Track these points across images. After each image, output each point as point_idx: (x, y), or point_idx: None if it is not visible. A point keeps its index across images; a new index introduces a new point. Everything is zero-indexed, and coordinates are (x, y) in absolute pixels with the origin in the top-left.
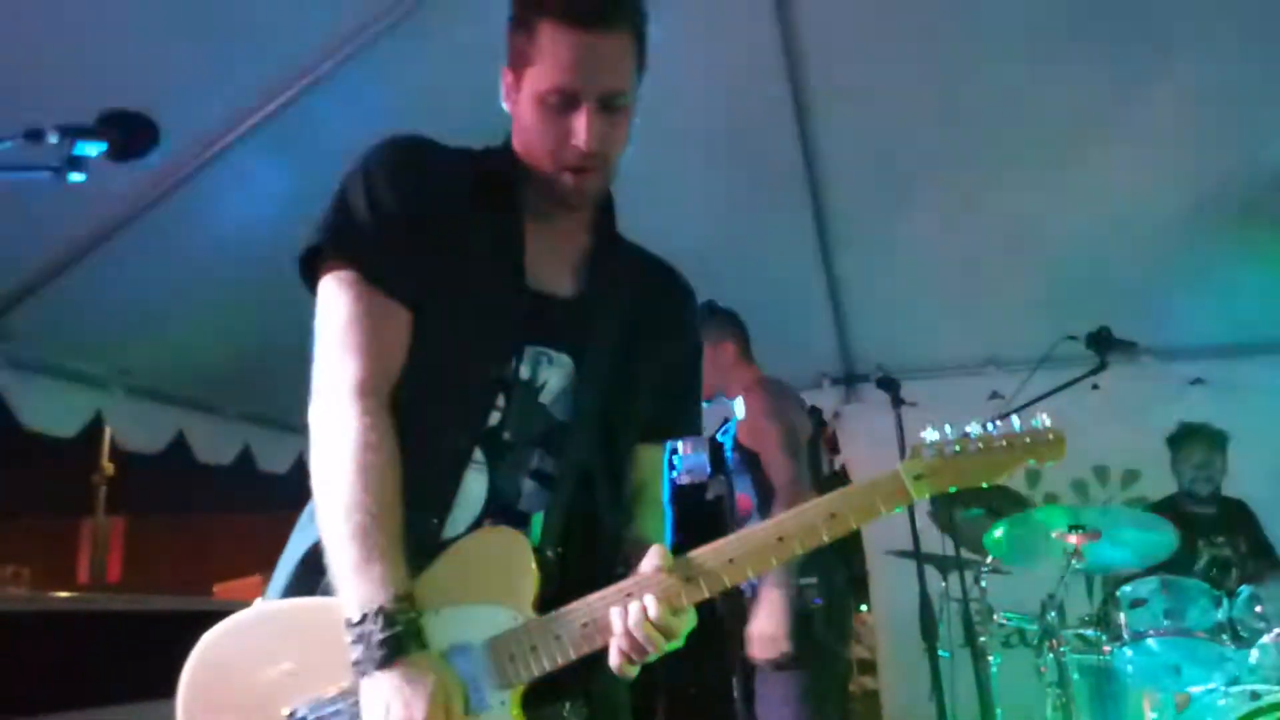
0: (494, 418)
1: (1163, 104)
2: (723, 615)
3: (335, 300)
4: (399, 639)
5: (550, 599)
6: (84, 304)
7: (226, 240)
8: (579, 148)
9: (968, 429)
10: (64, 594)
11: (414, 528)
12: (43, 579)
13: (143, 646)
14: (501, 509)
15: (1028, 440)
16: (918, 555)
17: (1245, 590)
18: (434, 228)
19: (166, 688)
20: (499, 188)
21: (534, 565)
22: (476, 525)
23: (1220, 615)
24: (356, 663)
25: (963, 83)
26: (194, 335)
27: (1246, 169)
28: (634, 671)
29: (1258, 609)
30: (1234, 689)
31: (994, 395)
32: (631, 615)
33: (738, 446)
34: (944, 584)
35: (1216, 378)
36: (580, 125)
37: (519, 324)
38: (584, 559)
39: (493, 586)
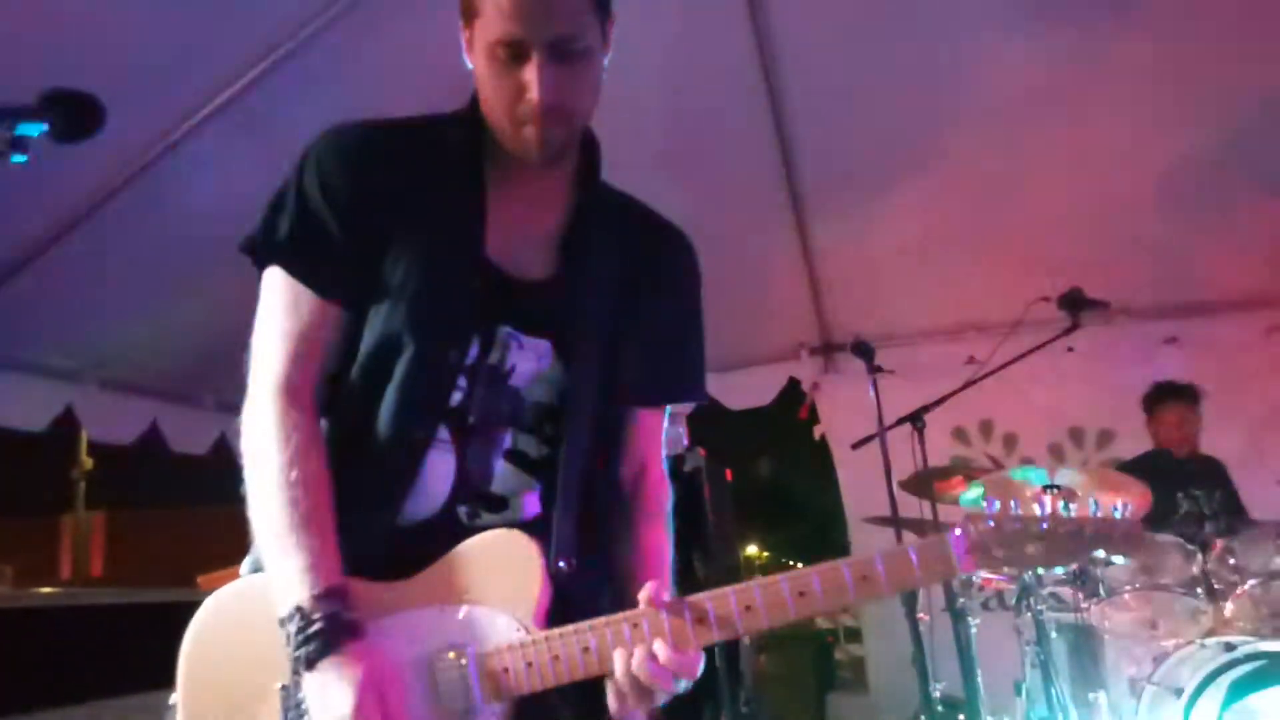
0: (455, 398)
1: (1131, 68)
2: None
3: (266, 298)
4: (318, 636)
5: (558, 610)
6: (52, 297)
7: (195, 225)
8: (533, 101)
9: (1036, 506)
10: (47, 590)
11: (370, 515)
12: (25, 576)
13: (129, 640)
14: (472, 492)
15: (1099, 530)
16: (896, 521)
17: (1219, 544)
18: (377, 214)
19: (154, 679)
20: (458, 157)
21: (542, 576)
22: (446, 508)
23: (1195, 569)
24: (293, 661)
25: (935, 50)
26: (166, 324)
27: (1213, 131)
28: (634, 712)
29: (1231, 562)
30: (1210, 641)
31: (970, 360)
32: (636, 658)
33: None
34: None
35: (1190, 336)
36: (531, 77)
37: (480, 305)
38: (592, 567)
39: (498, 592)
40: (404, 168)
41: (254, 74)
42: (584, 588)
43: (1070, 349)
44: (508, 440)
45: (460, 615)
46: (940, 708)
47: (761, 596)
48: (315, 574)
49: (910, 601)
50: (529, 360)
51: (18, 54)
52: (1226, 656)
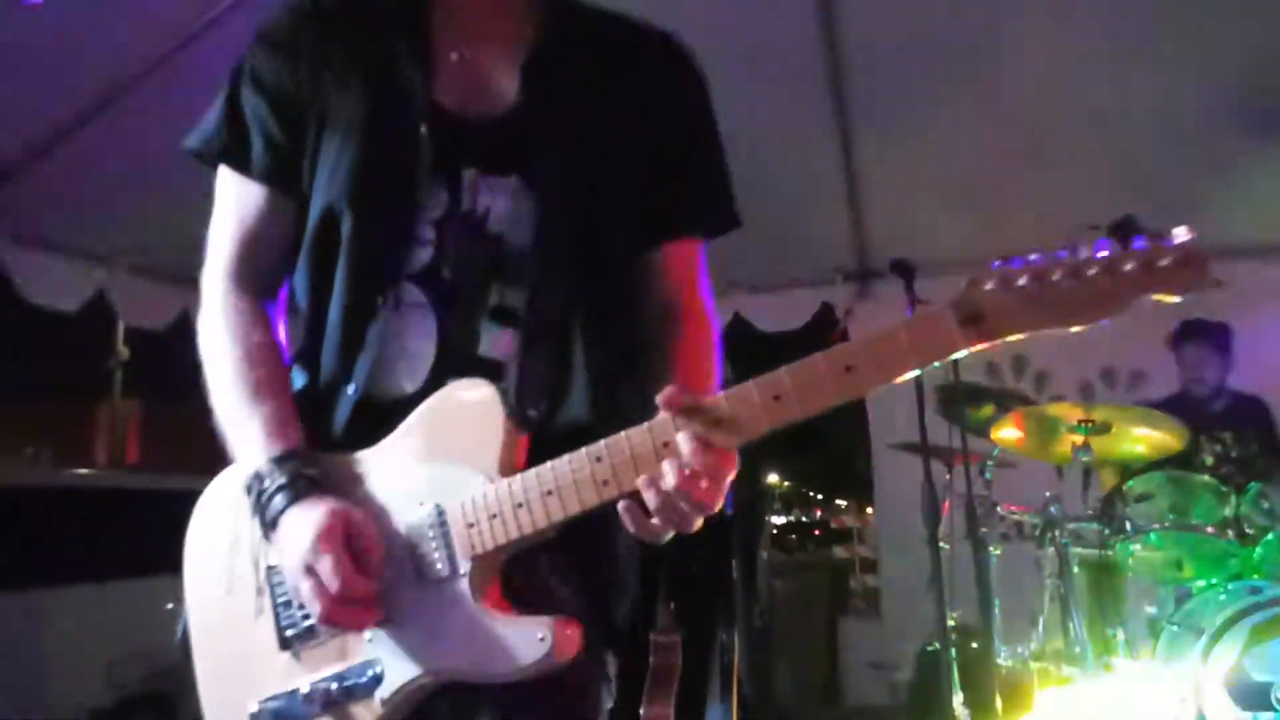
0: (425, 255)
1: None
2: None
3: (216, 195)
4: (279, 492)
5: (538, 462)
6: (83, 178)
7: None
8: None
9: (1059, 252)
10: (85, 470)
11: (343, 391)
12: (62, 460)
13: (161, 524)
14: (457, 357)
15: (1146, 261)
16: (925, 449)
17: (1254, 487)
18: (310, 94)
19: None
20: (398, 6)
21: (504, 423)
22: (432, 378)
23: (1227, 511)
24: (261, 528)
25: None
26: (199, 210)
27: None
28: (657, 536)
29: (1265, 505)
30: (1234, 584)
31: None
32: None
33: None
34: (949, 477)
35: (1234, 277)
36: None
37: (435, 152)
38: (572, 414)
39: (461, 445)
40: (339, 34)
41: None
42: (565, 437)
43: None
44: (492, 296)
45: (427, 474)
46: (955, 635)
47: (732, 408)
48: (271, 438)
49: (932, 527)
50: (502, 202)
51: None
52: (1251, 599)
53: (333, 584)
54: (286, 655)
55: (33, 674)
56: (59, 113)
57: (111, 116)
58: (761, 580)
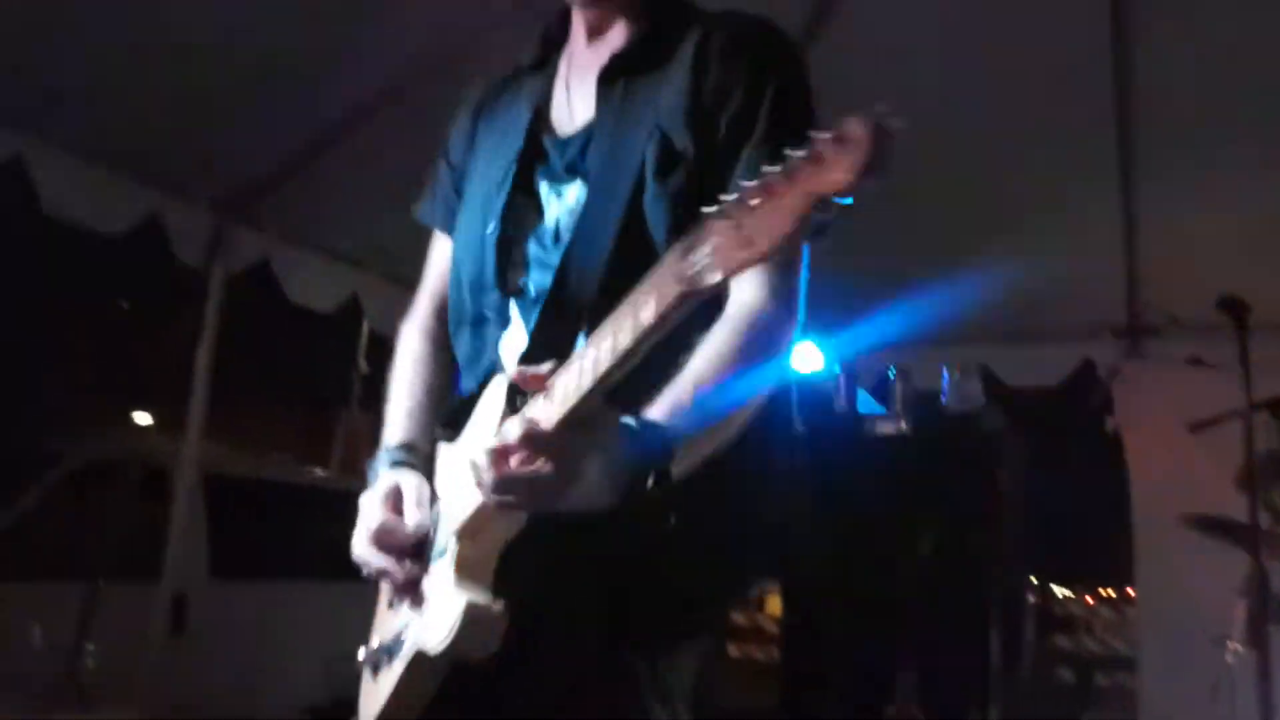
0: (519, 274)
1: None
2: None
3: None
4: (376, 467)
5: None
6: (353, 180)
7: None
8: None
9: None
10: (321, 471)
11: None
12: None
13: None
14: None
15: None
16: (1254, 526)
17: None
18: (468, 153)
19: None
20: (540, 65)
21: (503, 412)
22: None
23: None
24: None
25: None
26: None
27: None
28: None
29: None
30: None
31: None
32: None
33: None
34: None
35: None
36: None
37: (518, 172)
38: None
39: (483, 438)
40: (506, 99)
41: None
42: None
43: None
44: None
45: (465, 460)
46: None
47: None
48: (392, 430)
49: (1259, 619)
50: (568, 208)
51: None
52: None
53: (368, 524)
54: (390, 610)
55: (258, 662)
56: (334, 114)
57: (389, 117)
58: (1025, 662)
